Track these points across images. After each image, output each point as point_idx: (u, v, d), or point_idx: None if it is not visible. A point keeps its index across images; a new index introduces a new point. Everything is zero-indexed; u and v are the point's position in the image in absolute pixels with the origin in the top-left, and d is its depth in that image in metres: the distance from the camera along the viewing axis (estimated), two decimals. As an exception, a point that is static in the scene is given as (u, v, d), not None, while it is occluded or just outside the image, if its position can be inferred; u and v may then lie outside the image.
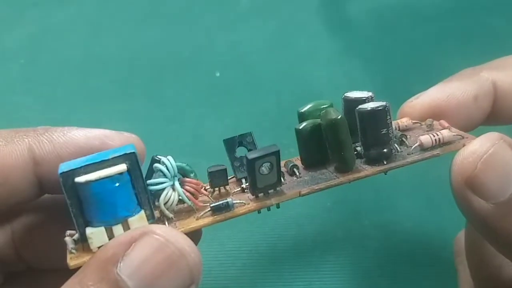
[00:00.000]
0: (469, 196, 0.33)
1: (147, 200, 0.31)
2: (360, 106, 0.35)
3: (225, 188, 0.36)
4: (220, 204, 0.33)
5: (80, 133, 0.35)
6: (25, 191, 0.35)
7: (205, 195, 0.35)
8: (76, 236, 0.31)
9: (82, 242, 0.31)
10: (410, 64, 0.74)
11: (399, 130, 0.39)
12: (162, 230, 0.29)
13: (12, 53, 0.82)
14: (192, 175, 0.34)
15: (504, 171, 0.32)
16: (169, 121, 0.66)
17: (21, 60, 0.81)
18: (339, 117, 0.34)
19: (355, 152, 0.36)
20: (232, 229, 0.56)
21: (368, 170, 0.35)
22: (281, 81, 0.71)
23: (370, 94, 0.37)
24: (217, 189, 0.36)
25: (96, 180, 0.28)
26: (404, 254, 0.53)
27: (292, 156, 0.38)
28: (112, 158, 0.29)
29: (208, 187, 0.35)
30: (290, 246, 0.55)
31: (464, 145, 0.35)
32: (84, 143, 0.35)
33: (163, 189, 0.32)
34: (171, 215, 0.33)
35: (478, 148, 0.33)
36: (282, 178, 0.34)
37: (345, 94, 0.37)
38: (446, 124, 0.39)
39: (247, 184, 0.35)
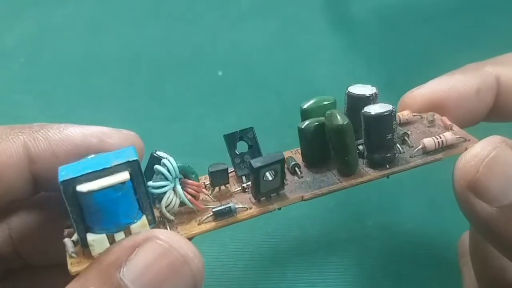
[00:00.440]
0: (472, 200, 0.33)
1: (149, 205, 0.31)
2: (365, 109, 0.34)
3: (225, 186, 0.35)
4: (222, 209, 0.33)
5: (77, 130, 0.35)
6: (20, 189, 0.34)
7: (205, 194, 0.34)
8: (75, 237, 0.31)
9: (83, 247, 0.30)
10: (413, 63, 0.74)
11: (400, 124, 0.39)
12: (165, 236, 0.29)
13: (12, 52, 0.82)
14: (193, 176, 0.34)
15: (506, 174, 0.32)
16: (170, 120, 0.66)
17: (21, 59, 0.80)
18: (345, 123, 0.33)
19: (357, 151, 0.35)
20: (234, 229, 0.55)
21: (371, 174, 0.35)
22: (284, 80, 0.70)
23: (374, 90, 0.36)
24: (217, 187, 0.35)
25: (98, 190, 0.28)
26: (407, 255, 0.53)
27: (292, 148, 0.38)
28: (114, 166, 0.29)
29: (208, 183, 0.35)
30: (293, 247, 0.55)
31: (466, 149, 0.35)
32: (81, 140, 0.34)
33: (164, 192, 0.32)
34: (172, 217, 0.33)
35: (480, 151, 0.33)
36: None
37: (349, 89, 0.37)
38: (448, 122, 0.38)
39: (248, 183, 0.35)
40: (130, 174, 0.29)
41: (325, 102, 0.37)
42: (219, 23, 0.85)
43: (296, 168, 0.36)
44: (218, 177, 0.35)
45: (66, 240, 0.31)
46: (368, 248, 0.54)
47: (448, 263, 0.51)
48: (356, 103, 0.36)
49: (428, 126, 0.39)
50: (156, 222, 0.31)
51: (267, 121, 0.64)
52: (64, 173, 0.28)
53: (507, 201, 0.32)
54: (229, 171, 0.35)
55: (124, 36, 0.84)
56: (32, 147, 0.34)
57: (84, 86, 0.75)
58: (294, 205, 0.34)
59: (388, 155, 0.35)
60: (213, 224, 0.33)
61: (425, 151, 0.36)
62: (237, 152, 0.36)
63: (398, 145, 0.36)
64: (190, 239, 0.31)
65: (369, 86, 0.37)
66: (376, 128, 0.34)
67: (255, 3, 0.88)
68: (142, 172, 0.30)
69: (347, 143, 0.34)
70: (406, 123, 0.39)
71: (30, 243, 0.37)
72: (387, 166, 0.35)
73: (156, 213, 0.32)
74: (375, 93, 0.36)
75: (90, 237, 0.29)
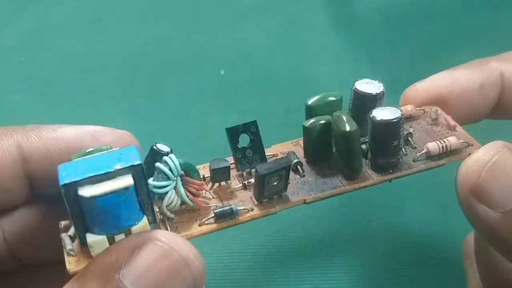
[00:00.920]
0: (475, 205, 0.32)
1: (150, 205, 0.30)
2: (374, 114, 0.34)
3: (226, 182, 0.35)
4: (224, 210, 0.32)
5: (70, 129, 0.34)
6: (15, 190, 0.34)
7: (206, 190, 0.34)
8: (72, 231, 0.30)
9: (81, 245, 0.30)
10: (418, 61, 0.73)
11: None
12: (166, 237, 0.29)
13: (12, 50, 0.80)
14: (195, 174, 0.33)
15: (509, 179, 0.32)
16: (172, 119, 0.65)
17: (21, 58, 0.79)
18: (353, 129, 0.33)
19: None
20: (236, 230, 0.55)
21: (374, 178, 0.35)
22: (287, 79, 0.70)
23: (381, 89, 0.36)
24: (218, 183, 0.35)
25: (101, 196, 0.27)
26: (411, 256, 0.53)
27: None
28: (118, 170, 0.28)
29: (208, 175, 0.35)
30: (296, 248, 0.54)
31: (469, 154, 0.34)
32: (74, 139, 0.34)
33: (166, 192, 0.32)
34: (172, 216, 0.32)
35: (482, 156, 0.32)
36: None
37: (356, 86, 0.36)
38: (452, 123, 0.38)
39: (249, 180, 0.35)
40: (133, 177, 0.28)
41: (331, 98, 0.36)
42: (221, 21, 0.84)
43: (298, 167, 0.36)
44: (220, 174, 0.34)
45: (63, 235, 0.31)
46: (372, 249, 0.54)
47: (452, 264, 0.51)
48: (362, 101, 0.36)
49: (431, 124, 0.39)
50: (157, 222, 0.31)
51: (271, 120, 0.62)
52: (65, 175, 0.28)
53: (510, 206, 0.31)
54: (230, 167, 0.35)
55: (125, 34, 0.82)
56: (25, 146, 0.34)
57: (85, 85, 0.74)
58: (298, 206, 0.34)
59: (393, 160, 0.35)
60: (214, 225, 0.32)
61: (429, 156, 0.36)
62: (239, 147, 0.35)
63: (403, 149, 0.35)
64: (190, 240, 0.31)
65: (376, 83, 0.36)
66: (383, 135, 0.34)
67: (258, 1, 0.87)
68: (145, 175, 0.29)
69: (354, 150, 0.34)
70: (409, 118, 0.39)
71: (25, 242, 0.36)
72: (391, 171, 0.35)
73: (156, 209, 0.32)
74: (382, 91, 0.36)
75: (90, 238, 0.29)
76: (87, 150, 0.31)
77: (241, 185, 0.35)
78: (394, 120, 0.33)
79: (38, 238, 0.36)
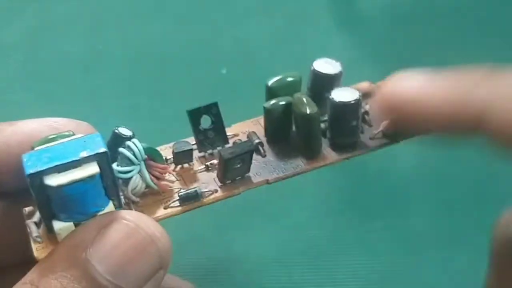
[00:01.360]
0: None
1: (116, 191, 0.31)
2: (333, 95, 0.35)
3: (189, 164, 0.36)
4: (188, 193, 0.33)
5: (28, 122, 0.35)
6: None
7: (170, 172, 0.35)
8: (37, 217, 0.31)
9: (48, 232, 0.30)
10: (423, 60, 0.72)
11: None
12: (132, 216, 0.29)
13: (11, 49, 0.80)
14: (159, 158, 0.34)
15: None
16: (173, 119, 0.64)
17: (21, 56, 0.78)
18: (314, 112, 0.34)
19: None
20: (239, 231, 0.56)
21: (333, 157, 0.36)
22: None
23: (340, 69, 0.36)
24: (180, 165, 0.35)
25: (67, 184, 0.28)
26: (417, 256, 0.54)
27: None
28: (83, 158, 0.28)
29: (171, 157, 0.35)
30: (300, 250, 0.55)
31: None
32: (31, 129, 0.34)
33: (131, 177, 0.32)
34: (137, 200, 0.33)
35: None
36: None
37: (314, 66, 0.37)
38: None
39: (212, 162, 0.35)
40: (99, 165, 0.29)
41: (290, 79, 0.37)
42: (223, 19, 0.84)
43: (260, 147, 0.36)
44: (183, 157, 0.35)
45: (29, 222, 0.31)
46: (377, 250, 0.54)
47: (457, 264, 0.52)
48: (321, 81, 0.36)
49: None
50: (123, 206, 0.32)
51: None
52: (30, 164, 0.28)
53: None
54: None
55: (126, 33, 0.82)
56: None
57: (85, 84, 0.74)
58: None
59: (351, 139, 0.36)
60: (179, 208, 0.33)
61: (385, 134, 0.36)
62: (200, 128, 0.36)
63: (361, 127, 0.36)
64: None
65: (334, 62, 0.37)
66: (343, 116, 0.35)
67: (260, -1, 0.86)
68: (110, 163, 0.29)
69: (314, 131, 0.35)
70: (366, 95, 0.39)
71: None
72: (349, 150, 0.36)
73: (121, 194, 0.32)
74: (340, 71, 0.36)
75: (57, 225, 0.29)
76: (50, 137, 0.31)
77: (203, 166, 0.35)
78: (353, 102, 0.34)
79: (2, 237, 0.36)
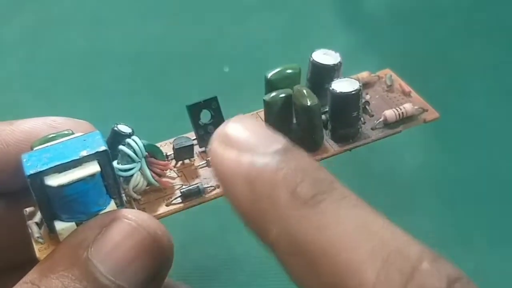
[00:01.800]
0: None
1: (117, 189, 0.31)
2: (333, 86, 0.34)
3: (190, 160, 0.35)
4: (190, 189, 0.33)
5: (26, 121, 0.34)
6: None
7: (171, 169, 0.35)
8: (38, 217, 0.31)
9: (49, 232, 0.30)
10: (429, 59, 0.72)
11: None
12: (133, 214, 0.29)
13: (10, 47, 0.79)
14: (159, 155, 0.34)
15: None
16: (175, 118, 0.64)
17: (20, 55, 0.78)
18: (314, 103, 0.33)
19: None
20: (241, 232, 0.55)
21: (335, 149, 0.35)
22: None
23: (339, 59, 0.36)
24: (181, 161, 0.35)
25: (68, 184, 0.27)
26: None
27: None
28: (84, 157, 0.28)
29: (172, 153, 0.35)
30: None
31: (424, 121, 0.36)
32: (30, 127, 0.34)
33: (132, 175, 0.32)
34: (139, 197, 0.33)
35: None
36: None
37: (313, 57, 0.37)
38: (407, 89, 0.39)
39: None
40: (99, 163, 0.28)
41: (289, 71, 0.36)
42: (225, 17, 0.82)
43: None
44: (184, 153, 0.35)
45: (30, 223, 0.31)
46: None
47: (463, 264, 0.51)
48: (320, 72, 0.36)
49: (387, 90, 0.39)
50: (124, 205, 0.31)
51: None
52: (30, 164, 0.28)
53: None
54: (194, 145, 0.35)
55: (127, 31, 0.81)
56: None
57: (85, 82, 0.73)
58: None
59: (352, 130, 0.35)
60: (181, 205, 0.33)
61: (386, 123, 0.36)
62: (200, 123, 0.35)
63: (361, 118, 0.36)
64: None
65: (333, 53, 0.37)
66: (344, 107, 0.35)
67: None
68: (111, 161, 0.29)
69: (315, 123, 0.34)
70: (366, 85, 0.39)
71: None
72: (351, 141, 0.36)
73: (122, 192, 0.32)
74: (339, 62, 0.36)
75: (59, 225, 0.29)
76: (49, 136, 0.31)
77: (204, 162, 0.35)
78: (353, 92, 0.34)
79: (2, 237, 0.36)
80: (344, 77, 0.35)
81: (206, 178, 0.34)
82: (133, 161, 0.32)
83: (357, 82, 0.34)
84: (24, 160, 0.28)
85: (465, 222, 0.55)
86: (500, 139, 0.62)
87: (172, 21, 0.83)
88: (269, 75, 0.36)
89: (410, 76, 0.41)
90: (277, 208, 0.24)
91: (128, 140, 0.32)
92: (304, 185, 0.25)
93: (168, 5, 0.86)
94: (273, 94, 0.35)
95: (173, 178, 0.34)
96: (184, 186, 0.33)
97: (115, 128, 0.33)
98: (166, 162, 0.34)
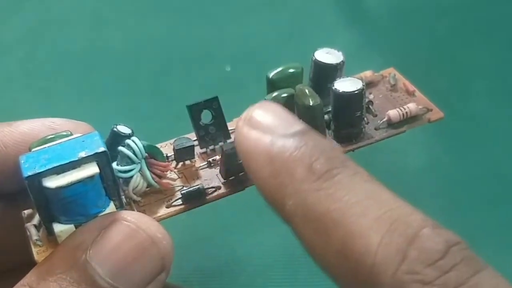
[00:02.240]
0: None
1: (116, 191, 0.30)
2: (336, 86, 0.34)
3: (190, 161, 0.35)
4: (191, 191, 0.33)
5: (25, 122, 0.34)
6: None
7: (171, 170, 0.34)
8: (36, 220, 0.30)
9: (48, 234, 0.30)
10: (432, 57, 0.72)
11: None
12: (133, 216, 0.29)
13: (10, 46, 0.78)
14: (159, 156, 0.33)
15: None
16: (176, 118, 0.64)
17: (20, 54, 0.77)
18: (316, 103, 0.33)
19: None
20: (243, 233, 0.55)
21: None
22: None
23: (342, 58, 0.36)
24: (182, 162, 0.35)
25: (67, 186, 0.27)
26: None
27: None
28: (82, 158, 0.28)
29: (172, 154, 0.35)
30: (305, 252, 0.54)
31: (429, 120, 0.36)
32: (30, 130, 0.34)
33: (131, 176, 0.32)
34: (139, 199, 0.32)
35: None
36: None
37: (315, 56, 0.36)
38: (411, 88, 0.38)
39: (214, 158, 0.35)
40: (98, 165, 0.28)
41: (291, 70, 0.36)
42: (226, 15, 0.82)
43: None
44: (184, 153, 0.34)
45: (28, 225, 0.30)
46: None
47: None
48: (323, 71, 0.36)
49: (390, 90, 0.39)
50: (124, 206, 0.31)
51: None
52: (28, 166, 0.27)
53: None
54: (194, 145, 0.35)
55: (127, 30, 0.80)
56: None
57: (85, 82, 0.73)
58: None
59: (356, 130, 0.35)
60: (182, 206, 0.32)
61: (390, 123, 0.36)
62: (201, 124, 0.35)
63: (365, 118, 0.36)
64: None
65: (336, 52, 0.36)
66: (347, 107, 0.34)
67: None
68: (110, 162, 0.29)
69: (317, 123, 0.34)
70: (369, 84, 0.39)
71: None
72: (354, 141, 0.35)
73: (122, 194, 0.31)
74: (342, 61, 0.36)
75: (58, 228, 0.29)
76: (48, 137, 0.30)
77: (205, 163, 0.35)
78: (356, 92, 0.33)
79: (0, 240, 0.35)
80: (347, 77, 0.35)
81: (207, 179, 0.34)
82: (132, 162, 0.32)
83: (360, 81, 0.34)
84: (22, 161, 0.28)
85: (468, 223, 0.55)
86: (505, 139, 0.62)
87: (173, 20, 0.82)
88: (271, 74, 0.36)
89: (414, 75, 0.41)
90: (293, 182, 0.27)
91: (127, 141, 0.32)
92: (319, 161, 0.27)
93: (169, 4, 0.85)
94: (275, 93, 0.35)
95: (174, 180, 0.34)
96: (184, 188, 0.33)
97: (115, 129, 0.33)
98: (167, 163, 0.34)
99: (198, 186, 0.33)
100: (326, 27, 0.79)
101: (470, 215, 0.55)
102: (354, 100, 0.34)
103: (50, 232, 0.29)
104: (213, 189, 0.33)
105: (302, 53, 0.37)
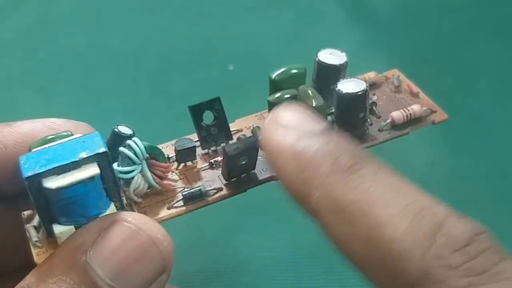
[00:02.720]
0: None
1: (117, 192, 0.30)
2: (339, 87, 0.34)
3: (192, 162, 0.35)
4: (193, 192, 0.32)
5: (25, 123, 0.34)
6: None
7: (173, 171, 0.34)
8: (36, 221, 0.30)
9: (47, 236, 0.30)
10: (436, 56, 0.71)
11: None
12: (133, 218, 0.28)
13: (10, 45, 0.78)
14: (161, 157, 0.33)
15: None
16: (177, 117, 0.64)
17: (20, 53, 0.77)
18: (320, 104, 0.33)
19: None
20: (245, 233, 0.54)
21: None
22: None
23: (345, 59, 0.36)
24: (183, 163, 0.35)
25: (67, 187, 0.27)
26: None
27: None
28: (82, 158, 0.28)
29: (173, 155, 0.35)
30: (309, 253, 0.53)
31: (433, 122, 0.36)
32: (30, 130, 0.33)
33: (132, 177, 0.31)
34: (139, 200, 0.32)
35: None
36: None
37: (318, 57, 0.36)
38: (415, 89, 0.38)
39: (216, 159, 0.34)
40: (99, 165, 0.28)
41: (294, 71, 0.36)
42: (229, 14, 0.81)
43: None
44: (186, 155, 0.34)
45: (28, 226, 0.30)
46: None
47: None
48: (326, 72, 0.36)
49: (394, 91, 0.39)
50: (125, 208, 0.31)
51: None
52: (28, 166, 0.27)
53: None
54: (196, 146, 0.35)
55: (128, 28, 0.80)
56: None
57: (85, 80, 0.72)
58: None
59: (359, 131, 0.35)
60: (183, 208, 0.32)
61: (394, 125, 0.36)
62: (203, 125, 0.35)
63: (368, 119, 0.35)
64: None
65: (339, 53, 0.36)
66: (350, 108, 0.34)
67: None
68: (111, 163, 0.29)
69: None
70: (372, 85, 0.39)
71: None
72: (358, 142, 0.35)
73: (122, 195, 0.31)
74: (345, 62, 0.35)
75: (58, 229, 0.28)
76: (48, 138, 0.30)
77: (207, 164, 0.35)
78: (360, 93, 0.33)
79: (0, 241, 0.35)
80: (351, 78, 0.35)
81: (208, 180, 0.34)
82: (133, 163, 0.31)
83: (364, 82, 0.34)
84: (22, 162, 0.28)
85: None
86: (510, 139, 0.61)
87: (175, 19, 0.82)
88: (274, 75, 0.36)
89: (418, 74, 0.41)
90: (319, 176, 0.28)
91: (128, 141, 0.32)
92: (344, 156, 0.28)
93: (170, 2, 0.85)
94: (278, 94, 0.35)
95: (175, 181, 0.34)
96: (186, 189, 0.33)
97: (116, 129, 0.33)
98: (168, 164, 0.33)
99: (199, 188, 0.33)
100: (330, 27, 0.79)
101: (475, 215, 0.55)
102: (357, 101, 0.34)
103: (50, 233, 0.29)
104: (215, 191, 0.33)
105: (306, 53, 0.37)
